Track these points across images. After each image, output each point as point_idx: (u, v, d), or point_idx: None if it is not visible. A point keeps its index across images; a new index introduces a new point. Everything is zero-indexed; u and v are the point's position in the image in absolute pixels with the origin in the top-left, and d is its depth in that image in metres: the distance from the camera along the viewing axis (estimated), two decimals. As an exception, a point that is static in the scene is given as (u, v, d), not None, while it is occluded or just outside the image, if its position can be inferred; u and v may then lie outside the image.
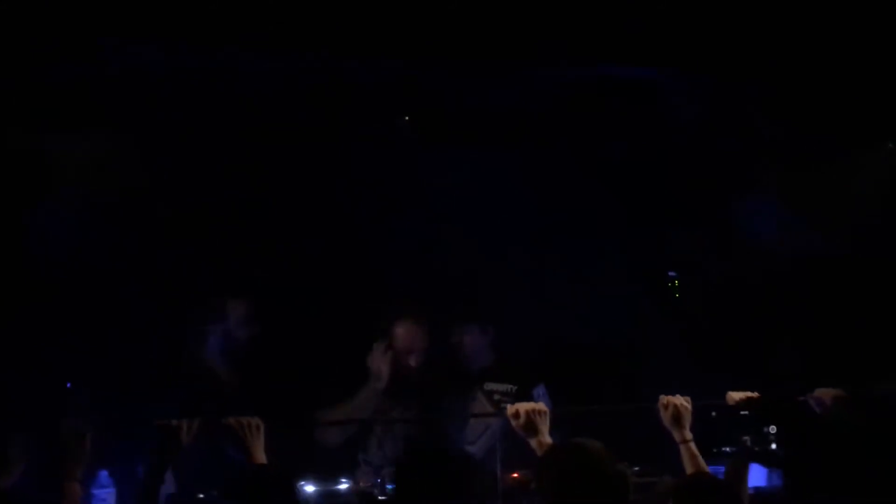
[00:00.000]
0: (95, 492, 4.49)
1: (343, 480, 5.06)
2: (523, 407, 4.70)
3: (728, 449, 4.66)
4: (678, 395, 4.69)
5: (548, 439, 4.64)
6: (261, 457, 4.36)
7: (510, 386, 5.74)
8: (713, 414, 4.60)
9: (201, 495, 4.74)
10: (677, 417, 4.64)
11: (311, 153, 6.26)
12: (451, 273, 6.31)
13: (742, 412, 4.64)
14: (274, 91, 5.91)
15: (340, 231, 6.34)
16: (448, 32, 5.46)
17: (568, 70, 5.74)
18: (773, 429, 4.44)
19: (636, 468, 4.95)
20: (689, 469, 4.56)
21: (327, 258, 6.30)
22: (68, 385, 5.25)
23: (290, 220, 6.30)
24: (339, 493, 5.03)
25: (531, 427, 4.66)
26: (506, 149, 6.26)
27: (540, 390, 5.45)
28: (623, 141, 6.27)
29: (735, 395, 4.69)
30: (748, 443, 4.58)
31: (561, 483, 3.86)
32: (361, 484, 5.02)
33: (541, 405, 4.73)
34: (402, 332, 5.75)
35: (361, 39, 5.47)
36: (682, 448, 4.62)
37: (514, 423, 4.69)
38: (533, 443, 4.66)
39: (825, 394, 4.67)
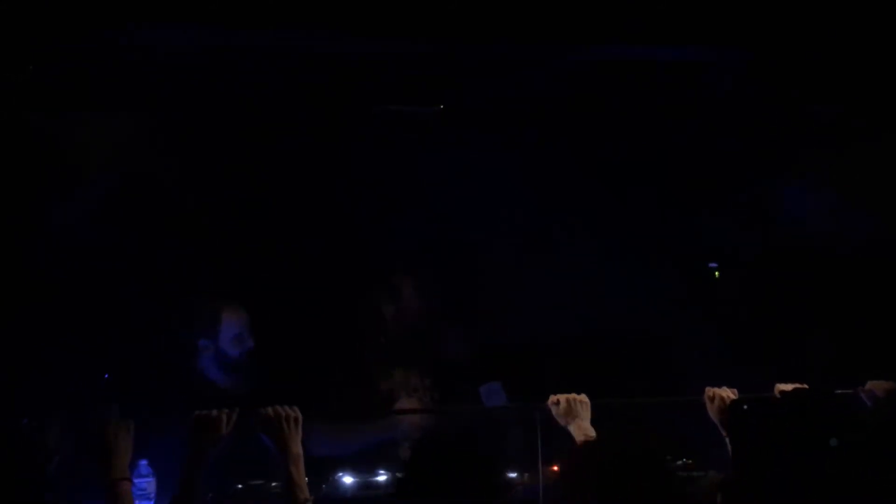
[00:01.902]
0: (136, 481, 4.41)
1: (381, 472, 4.99)
2: (564, 396, 4.69)
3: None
4: (724, 388, 4.67)
5: (588, 426, 4.61)
6: (297, 449, 4.30)
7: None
8: (744, 408, 4.52)
9: (240, 486, 4.68)
10: (724, 410, 4.61)
11: (311, 153, 6.19)
12: (456, 269, 6.28)
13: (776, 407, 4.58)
14: (274, 91, 5.86)
15: (340, 231, 6.28)
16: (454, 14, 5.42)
17: (601, 51, 5.69)
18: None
19: (679, 462, 4.91)
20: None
21: (327, 258, 6.23)
22: (106, 376, 5.17)
23: (290, 220, 6.23)
24: (377, 485, 4.97)
25: (571, 413, 4.64)
26: (531, 132, 6.21)
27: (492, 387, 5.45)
28: (658, 125, 6.22)
29: (783, 388, 4.62)
30: None
31: (604, 477, 3.53)
32: (398, 475, 4.94)
33: (583, 396, 4.70)
34: (410, 288, 5.78)
35: (363, 24, 5.42)
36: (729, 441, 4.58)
37: (554, 410, 4.69)
38: (572, 428, 4.63)
39: (878, 386, 4.63)
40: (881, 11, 5.44)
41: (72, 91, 5.48)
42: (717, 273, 6.57)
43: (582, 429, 4.58)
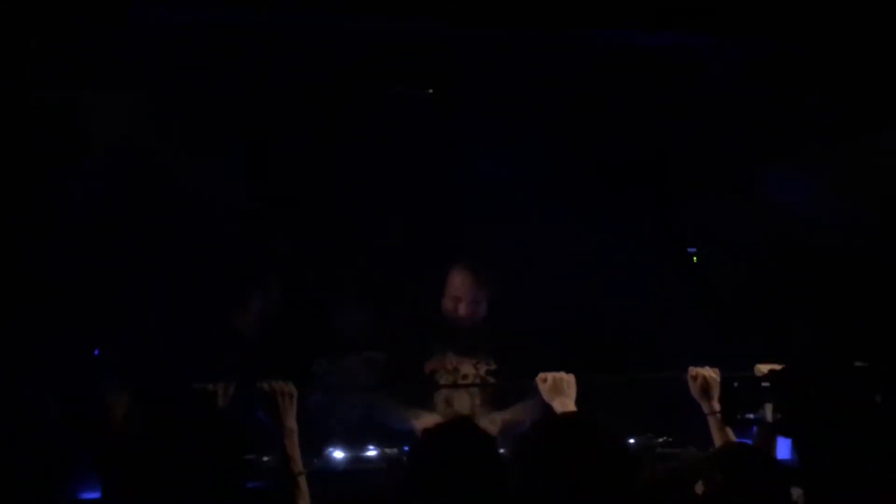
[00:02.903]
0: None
1: (371, 448, 5.07)
2: (552, 374, 4.87)
3: (752, 415, 4.70)
4: (707, 367, 4.80)
5: (571, 403, 4.76)
6: (292, 424, 4.39)
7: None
8: (735, 384, 4.64)
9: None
10: (706, 389, 4.76)
11: (310, 151, 6.24)
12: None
13: (763, 383, 4.70)
14: (274, 80, 5.93)
15: (341, 231, 6.35)
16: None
17: (593, 39, 5.74)
18: None
19: (661, 439, 5.03)
20: (717, 440, 4.66)
21: (327, 258, 6.32)
22: (96, 352, 5.19)
23: (290, 219, 6.29)
24: (367, 460, 5.05)
25: (557, 390, 4.77)
26: (521, 122, 6.27)
27: None
28: (646, 112, 6.29)
29: (763, 368, 4.73)
30: (767, 413, 4.65)
31: (549, 457, 3.58)
32: (387, 450, 5.03)
33: (571, 377, 4.83)
34: (456, 279, 5.61)
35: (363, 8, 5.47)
36: (711, 419, 4.73)
37: (541, 387, 4.86)
38: (556, 404, 4.76)
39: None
40: (876, 7, 5.52)
41: (68, 85, 5.49)
42: (695, 258, 6.65)
43: (565, 406, 4.73)
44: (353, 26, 5.61)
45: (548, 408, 4.85)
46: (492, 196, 6.33)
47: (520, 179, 6.29)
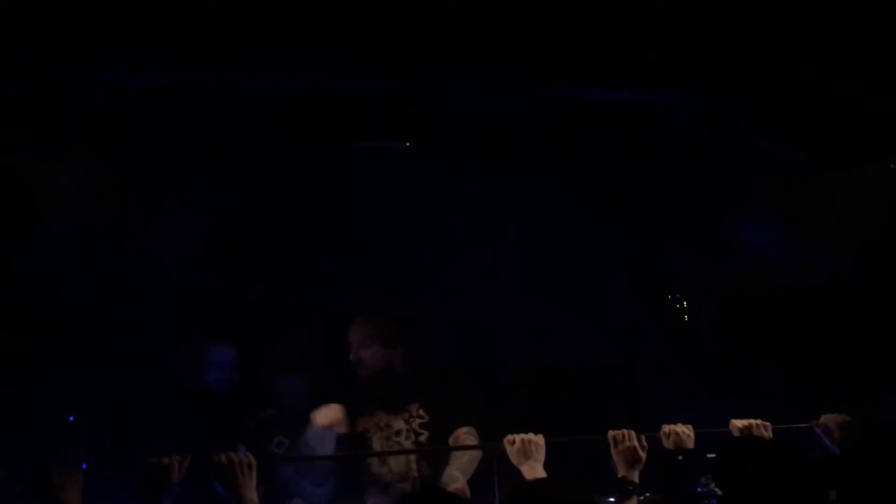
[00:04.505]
0: (92, 534, 4.40)
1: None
2: (520, 437, 4.68)
3: (700, 489, 4.57)
4: (680, 424, 4.66)
5: (539, 468, 4.60)
6: (251, 496, 4.26)
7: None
8: (679, 458, 4.55)
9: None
10: (679, 446, 4.60)
11: (310, 160, 6.22)
12: (443, 289, 6.29)
13: (709, 455, 4.59)
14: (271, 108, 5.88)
15: (340, 237, 6.32)
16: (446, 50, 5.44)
17: (564, 93, 5.71)
18: None
19: (643, 496, 4.87)
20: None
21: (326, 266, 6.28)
22: (70, 419, 5.17)
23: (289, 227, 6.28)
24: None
25: (525, 454, 4.62)
26: (503, 166, 6.20)
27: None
28: (621, 159, 6.23)
29: (738, 423, 4.65)
30: (712, 484, 4.51)
31: None
32: None
33: (539, 438, 4.67)
34: (355, 328, 5.53)
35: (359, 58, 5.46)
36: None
37: (509, 450, 4.68)
38: (524, 469, 4.62)
39: (831, 420, 4.61)
40: (835, 51, 5.47)
41: (57, 117, 5.51)
42: (684, 303, 6.57)
43: (534, 471, 4.56)
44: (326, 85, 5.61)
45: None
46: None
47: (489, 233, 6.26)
